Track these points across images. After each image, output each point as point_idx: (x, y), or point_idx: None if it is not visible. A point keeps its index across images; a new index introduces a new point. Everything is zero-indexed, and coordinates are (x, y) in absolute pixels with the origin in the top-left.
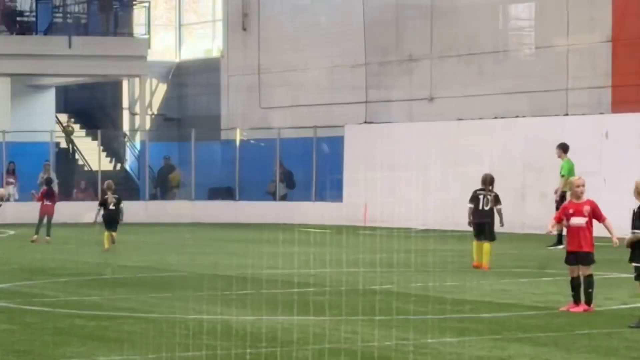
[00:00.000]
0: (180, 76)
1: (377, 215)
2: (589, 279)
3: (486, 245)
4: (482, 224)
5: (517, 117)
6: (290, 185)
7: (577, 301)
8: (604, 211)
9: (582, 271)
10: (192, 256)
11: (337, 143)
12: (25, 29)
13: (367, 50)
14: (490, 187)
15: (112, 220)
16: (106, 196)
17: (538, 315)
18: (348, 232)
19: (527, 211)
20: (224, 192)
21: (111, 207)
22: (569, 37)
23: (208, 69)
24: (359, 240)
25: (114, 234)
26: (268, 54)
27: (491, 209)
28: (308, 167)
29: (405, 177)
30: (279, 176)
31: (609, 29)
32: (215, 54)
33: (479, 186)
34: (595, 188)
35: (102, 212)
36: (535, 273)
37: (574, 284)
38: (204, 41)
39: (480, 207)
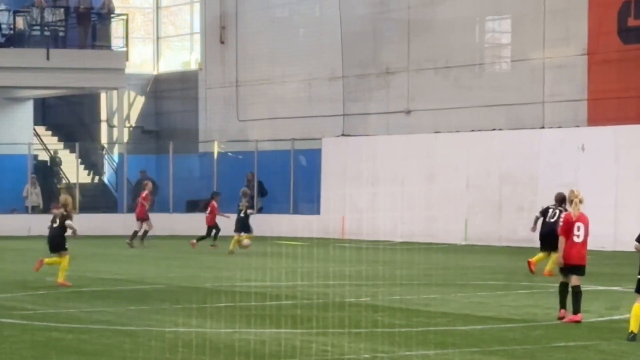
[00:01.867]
0: (158, 89)
1: (354, 228)
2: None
3: (553, 255)
4: (548, 235)
5: (493, 130)
6: (262, 194)
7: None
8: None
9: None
10: (170, 269)
11: (314, 156)
12: (3, 41)
13: (344, 63)
14: (563, 205)
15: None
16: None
17: (515, 328)
18: (326, 245)
19: (504, 224)
20: (201, 205)
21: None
22: (545, 50)
23: (186, 81)
24: (337, 253)
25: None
26: (246, 66)
27: (556, 222)
28: (285, 179)
29: (383, 190)
30: (253, 189)
31: (585, 42)
32: (193, 66)
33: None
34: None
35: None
36: (512, 286)
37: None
38: (181, 54)
39: (547, 219)
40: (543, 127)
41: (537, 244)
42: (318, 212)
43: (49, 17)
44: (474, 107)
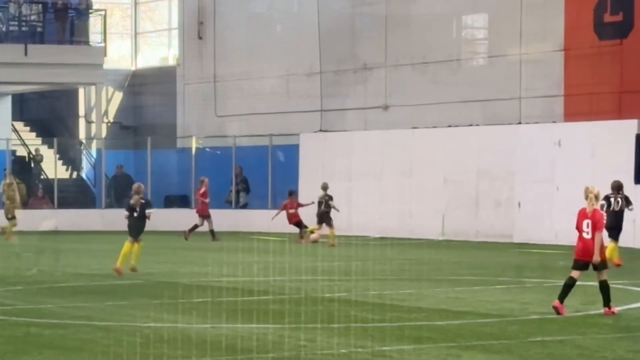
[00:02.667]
0: (136, 84)
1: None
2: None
3: (611, 244)
4: (613, 223)
5: (470, 125)
6: (247, 191)
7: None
8: (557, 218)
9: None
10: (148, 264)
11: (292, 151)
12: None
13: (322, 59)
14: (620, 192)
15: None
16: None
17: (492, 323)
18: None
19: (481, 219)
20: (179, 200)
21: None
22: (522, 46)
23: (164, 77)
24: (314, 248)
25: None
26: (224, 62)
27: (621, 210)
28: (264, 175)
29: (360, 185)
30: (240, 184)
31: (561, 38)
32: (171, 62)
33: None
34: (548, 196)
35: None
36: (489, 281)
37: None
38: (159, 49)
39: (612, 209)
40: (520, 123)
41: (514, 239)
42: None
43: (26, 12)
44: (451, 103)
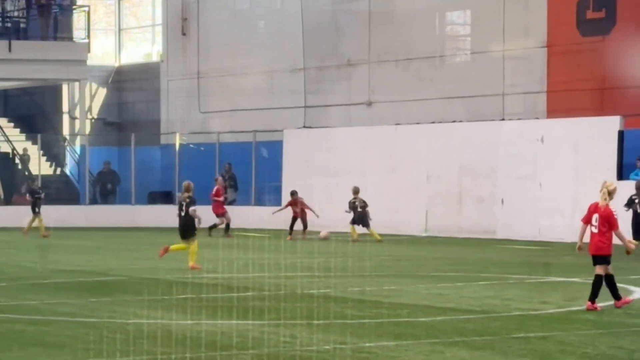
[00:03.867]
0: (120, 80)
1: (315, 220)
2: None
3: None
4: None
5: (454, 121)
6: (236, 188)
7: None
8: (540, 215)
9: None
10: (131, 260)
11: (276, 147)
12: None
13: (305, 55)
14: None
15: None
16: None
17: (475, 319)
18: (286, 236)
19: (464, 215)
20: (163, 197)
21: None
22: (504, 43)
23: (148, 73)
24: (296, 244)
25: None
26: (207, 58)
27: None
28: (247, 171)
29: (344, 181)
30: (228, 180)
31: (544, 34)
32: (155, 58)
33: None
34: (531, 192)
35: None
36: (472, 277)
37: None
38: (143, 45)
39: (639, 210)
40: (503, 119)
41: (496, 235)
42: (279, 204)
43: (10, 8)
44: (434, 99)
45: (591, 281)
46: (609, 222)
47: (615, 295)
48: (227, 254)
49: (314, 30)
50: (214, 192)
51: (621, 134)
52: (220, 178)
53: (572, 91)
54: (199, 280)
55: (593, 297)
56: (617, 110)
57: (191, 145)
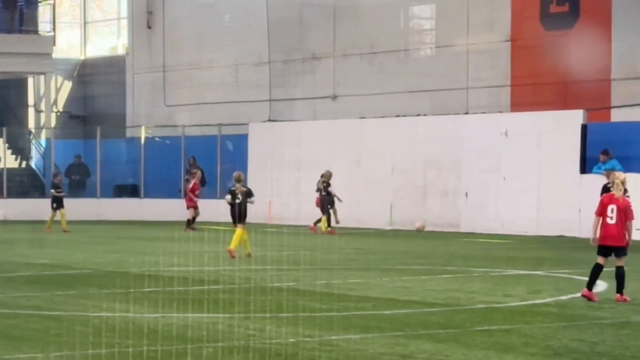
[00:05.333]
0: (86, 74)
1: (281, 213)
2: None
3: None
4: None
5: (418, 115)
6: (202, 183)
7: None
8: (503, 208)
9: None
10: (97, 254)
11: (241, 141)
12: None
13: (270, 49)
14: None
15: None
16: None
17: (439, 312)
18: (252, 229)
19: (429, 208)
20: (129, 190)
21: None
22: (469, 36)
23: (113, 66)
24: (264, 238)
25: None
26: (173, 52)
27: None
28: (212, 164)
29: (309, 175)
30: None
31: (508, 29)
32: (121, 51)
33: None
34: (495, 185)
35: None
36: (436, 270)
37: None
38: (109, 39)
39: None
40: (467, 113)
41: (461, 228)
42: None
43: None
44: (398, 93)
45: (554, 274)
46: (626, 212)
47: (622, 287)
48: (193, 247)
49: (279, 24)
50: (190, 186)
51: (584, 128)
52: (198, 172)
53: (536, 85)
54: (162, 273)
55: (620, 289)
56: (580, 104)
57: (156, 139)
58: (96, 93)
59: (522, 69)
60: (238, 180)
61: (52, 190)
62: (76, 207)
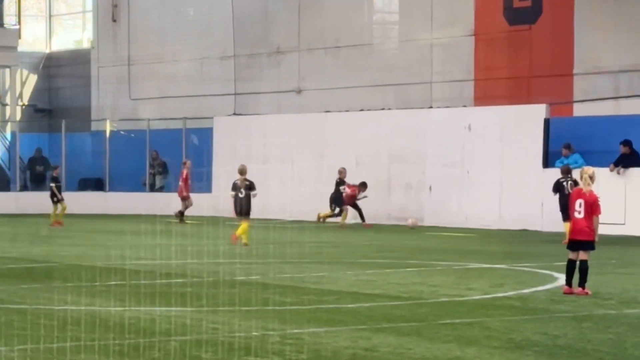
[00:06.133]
0: (51, 67)
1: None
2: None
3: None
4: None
5: (382, 109)
6: (165, 176)
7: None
8: (467, 202)
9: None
10: (61, 247)
11: (206, 134)
12: None
13: (235, 43)
14: (570, 175)
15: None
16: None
17: (402, 306)
18: (218, 223)
19: (393, 202)
20: (94, 183)
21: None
22: (432, 31)
23: (78, 60)
24: (227, 231)
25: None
26: (138, 45)
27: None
28: (177, 158)
29: (274, 168)
30: (156, 167)
31: (472, 23)
32: (86, 45)
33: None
34: (459, 179)
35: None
36: (400, 264)
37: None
38: (74, 32)
39: (567, 192)
40: (431, 107)
41: (424, 222)
42: (209, 191)
43: None
44: (363, 87)
45: (517, 267)
46: (593, 207)
47: (584, 281)
48: (160, 240)
49: (244, 18)
50: (184, 176)
51: (547, 122)
52: (189, 162)
53: (499, 79)
54: (127, 267)
55: (583, 282)
56: (543, 98)
57: (121, 132)
58: (61, 86)
59: (486, 63)
60: (241, 172)
61: (52, 185)
62: (39, 200)
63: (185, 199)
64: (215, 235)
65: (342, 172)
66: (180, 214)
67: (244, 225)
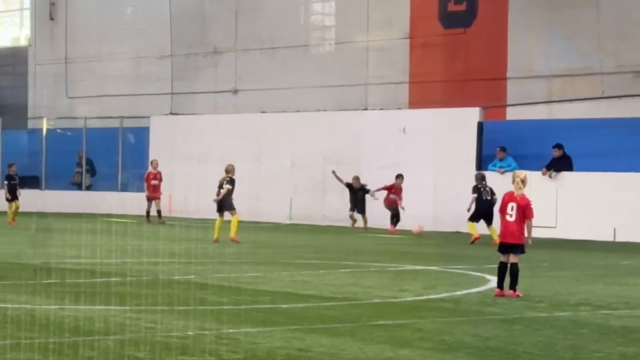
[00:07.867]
0: None
1: (182, 207)
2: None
3: (492, 227)
4: (487, 210)
5: (318, 110)
6: (92, 174)
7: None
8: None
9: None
10: None
11: (142, 134)
12: None
13: (172, 42)
14: (484, 182)
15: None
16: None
17: (336, 307)
18: (151, 222)
19: (328, 203)
20: (30, 181)
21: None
22: (368, 33)
23: (15, 57)
24: (165, 231)
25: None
26: (75, 43)
27: (492, 199)
28: (114, 157)
29: (210, 169)
30: (85, 166)
31: (407, 26)
32: (23, 42)
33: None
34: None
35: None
36: (334, 265)
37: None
38: (11, 29)
39: (484, 198)
40: (366, 109)
41: (360, 223)
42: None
43: None
44: (299, 88)
45: (450, 269)
46: (525, 210)
47: (515, 284)
48: (95, 239)
49: (181, 18)
50: (146, 176)
51: (480, 126)
52: (155, 161)
53: (434, 82)
54: (66, 266)
55: (514, 285)
56: (477, 101)
57: (58, 130)
58: None
59: (420, 67)
60: (227, 171)
61: (5, 182)
62: None
63: (153, 199)
64: (152, 235)
65: (357, 178)
66: (158, 214)
67: (234, 222)
